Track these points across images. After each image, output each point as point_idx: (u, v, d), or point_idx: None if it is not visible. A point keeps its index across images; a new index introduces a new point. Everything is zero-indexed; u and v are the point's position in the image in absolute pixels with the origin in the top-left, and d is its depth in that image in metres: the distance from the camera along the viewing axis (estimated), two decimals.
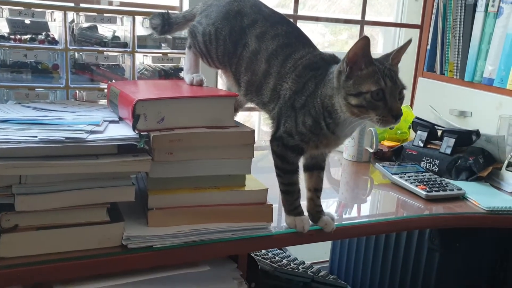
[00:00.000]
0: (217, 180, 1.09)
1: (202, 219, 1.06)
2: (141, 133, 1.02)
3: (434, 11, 2.16)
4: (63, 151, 0.96)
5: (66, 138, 0.95)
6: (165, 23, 1.33)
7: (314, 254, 2.26)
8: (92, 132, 1.01)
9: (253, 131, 1.09)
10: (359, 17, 2.30)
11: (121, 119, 1.15)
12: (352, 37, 2.68)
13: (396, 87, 1.01)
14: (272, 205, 1.12)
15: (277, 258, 1.59)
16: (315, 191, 1.17)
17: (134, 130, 1.02)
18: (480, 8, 1.94)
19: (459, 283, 1.56)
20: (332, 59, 1.11)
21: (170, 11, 1.36)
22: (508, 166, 1.56)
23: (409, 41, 1.08)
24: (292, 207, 1.13)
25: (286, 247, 1.79)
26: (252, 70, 1.15)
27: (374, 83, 0.99)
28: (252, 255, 1.49)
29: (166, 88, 1.24)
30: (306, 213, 1.16)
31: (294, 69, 1.09)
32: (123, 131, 1.05)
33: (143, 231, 1.01)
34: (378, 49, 2.75)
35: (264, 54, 1.13)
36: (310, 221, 1.14)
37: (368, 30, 2.52)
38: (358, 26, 2.30)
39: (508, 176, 1.54)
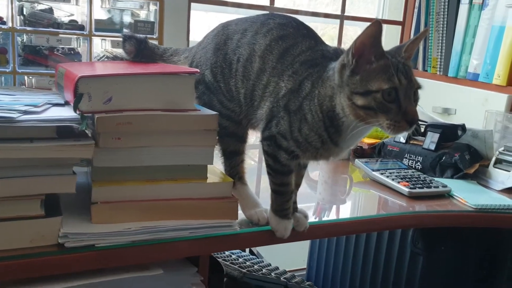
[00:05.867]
0: (174, 171, 0.96)
1: (155, 215, 0.93)
2: (84, 115, 0.88)
3: (417, 5, 2.08)
4: None
5: None
6: (138, 53, 1.14)
7: (291, 260, 2.13)
8: (26, 112, 0.87)
9: (216, 115, 0.96)
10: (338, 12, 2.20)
11: (67, 103, 1.02)
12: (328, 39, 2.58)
13: (411, 85, 0.85)
14: (237, 200, 0.99)
15: (248, 263, 1.46)
16: (294, 185, 1.04)
17: (75, 111, 0.88)
18: (465, 0, 1.85)
19: None
20: (334, 54, 0.95)
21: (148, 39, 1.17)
22: (495, 163, 1.46)
23: (426, 30, 0.95)
24: (280, 208, 0.99)
25: (261, 253, 1.67)
26: (247, 77, 0.99)
27: (386, 80, 0.83)
28: (220, 260, 1.36)
29: (122, 67, 1.10)
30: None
31: (291, 66, 0.95)
32: (64, 113, 0.91)
33: (84, 227, 0.87)
34: None
35: (257, 54, 0.98)
36: (291, 226, 1.01)
37: (348, 29, 2.43)
38: (337, 26, 2.19)
39: (496, 173, 1.44)
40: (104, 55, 1.45)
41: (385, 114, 0.84)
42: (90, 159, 0.89)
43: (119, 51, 1.44)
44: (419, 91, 0.89)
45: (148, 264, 0.94)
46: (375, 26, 0.83)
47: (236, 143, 1.06)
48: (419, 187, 1.30)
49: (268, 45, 0.97)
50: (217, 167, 1.05)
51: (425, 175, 1.40)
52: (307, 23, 1.03)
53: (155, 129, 0.92)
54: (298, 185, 1.06)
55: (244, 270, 1.32)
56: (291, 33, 0.98)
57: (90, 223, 0.89)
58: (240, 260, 1.47)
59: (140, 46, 1.14)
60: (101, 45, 1.40)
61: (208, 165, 0.99)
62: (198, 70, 0.99)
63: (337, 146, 0.93)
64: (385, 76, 0.84)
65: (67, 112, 0.92)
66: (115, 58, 1.43)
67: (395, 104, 0.84)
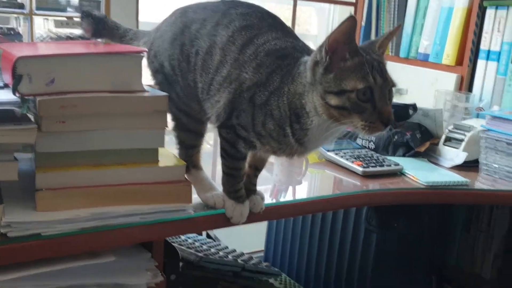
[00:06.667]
0: (123, 155, 0.92)
1: (105, 201, 0.89)
2: (25, 97, 0.83)
3: None
4: None
5: None
6: (96, 33, 1.07)
7: (249, 243, 2.13)
8: None
9: (166, 96, 0.93)
10: None
11: (7, 85, 0.96)
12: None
13: (387, 84, 0.82)
14: (191, 183, 0.97)
15: (204, 247, 1.44)
16: (255, 169, 1.03)
17: (14, 94, 0.83)
18: None
19: (397, 264, 1.49)
20: (304, 48, 0.92)
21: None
22: (445, 141, 1.50)
23: (399, 26, 0.93)
24: (233, 189, 0.98)
25: (218, 236, 1.65)
26: (206, 70, 0.94)
27: (361, 79, 0.80)
28: (175, 244, 1.33)
29: (66, 47, 1.05)
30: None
31: (255, 57, 0.90)
32: (3, 97, 0.86)
33: (28, 216, 0.83)
34: (312, 31, 2.66)
35: (218, 46, 0.93)
36: (248, 212, 1.00)
37: (302, 9, 2.42)
38: (291, 7, 2.18)
39: (446, 151, 1.48)
40: (47, 36, 1.38)
41: (360, 115, 0.81)
42: (32, 144, 0.84)
43: (64, 31, 1.38)
44: (394, 90, 0.86)
45: (99, 251, 0.91)
46: (350, 22, 0.79)
47: (194, 138, 1.04)
48: (372, 166, 1.32)
49: (231, 37, 0.92)
50: (168, 149, 1.03)
51: (378, 154, 1.43)
52: (259, 4, 1.00)
53: (102, 111, 0.88)
54: (259, 169, 1.04)
55: (201, 254, 1.30)
56: (255, 24, 0.94)
57: (35, 211, 0.85)
58: (197, 244, 1.45)
59: (98, 26, 1.07)
60: (43, 25, 1.33)
61: (160, 148, 0.96)
62: (146, 50, 0.95)
63: (301, 146, 0.90)
64: (360, 75, 0.80)
65: (7, 95, 0.87)
66: (59, 39, 1.37)
67: (370, 104, 0.81)
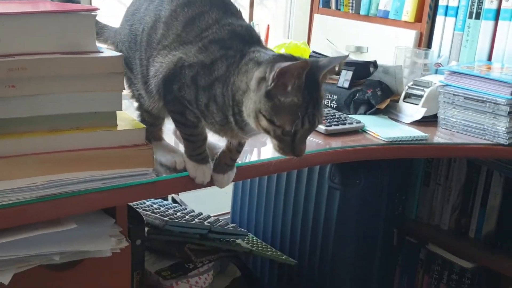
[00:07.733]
0: (80, 119, 0.90)
1: (63, 168, 0.87)
2: None
3: None
4: None
5: None
6: None
7: (216, 206, 2.14)
8: None
9: (121, 56, 0.90)
10: None
11: None
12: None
13: (312, 129, 0.87)
14: (152, 147, 0.95)
15: (170, 211, 1.43)
16: (238, 145, 1.01)
17: None
18: None
19: (360, 219, 1.52)
20: (246, 32, 0.92)
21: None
22: (405, 97, 1.52)
23: (346, 56, 0.96)
24: (194, 153, 0.97)
25: (184, 201, 1.64)
26: (151, 45, 0.95)
27: (290, 122, 0.83)
28: (140, 210, 1.32)
29: (13, 7, 0.98)
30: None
31: (199, 39, 0.90)
32: None
33: None
34: None
35: (162, 20, 0.93)
36: (211, 171, 0.99)
37: None
38: None
39: (406, 107, 1.50)
40: None
41: (278, 142, 0.86)
42: None
43: None
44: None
45: (60, 219, 0.88)
46: (306, 64, 0.79)
47: (154, 118, 1.04)
48: (334, 125, 1.32)
49: (173, 11, 0.93)
50: (127, 113, 1.00)
51: (340, 113, 1.43)
52: None
53: (54, 74, 0.85)
54: (242, 144, 1.02)
55: (166, 218, 1.30)
56: (198, 1, 0.93)
57: None
58: (162, 209, 1.44)
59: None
60: None
61: (118, 112, 0.94)
62: (98, 8, 0.91)
63: (242, 130, 0.92)
64: (291, 118, 0.83)
65: None
66: None
67: (289, 140, 0.85)
